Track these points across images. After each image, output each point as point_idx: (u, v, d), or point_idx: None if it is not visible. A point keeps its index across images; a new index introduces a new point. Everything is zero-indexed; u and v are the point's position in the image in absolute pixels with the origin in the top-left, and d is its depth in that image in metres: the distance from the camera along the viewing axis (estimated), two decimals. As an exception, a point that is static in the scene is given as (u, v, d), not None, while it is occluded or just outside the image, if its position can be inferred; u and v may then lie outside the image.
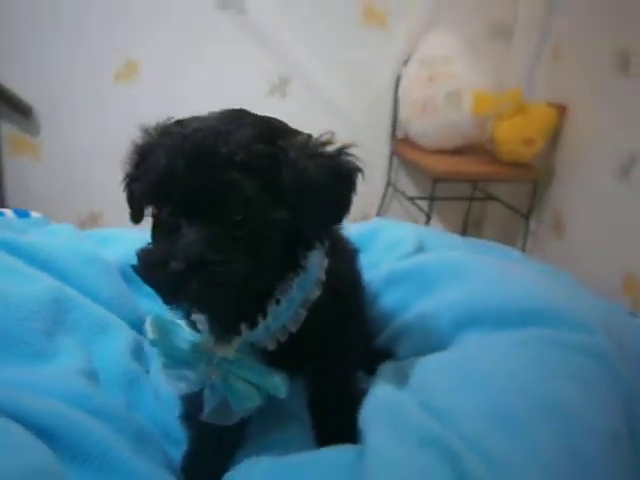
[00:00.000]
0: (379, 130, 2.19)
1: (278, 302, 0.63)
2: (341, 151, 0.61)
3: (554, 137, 1.86)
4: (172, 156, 0.55)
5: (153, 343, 0.65)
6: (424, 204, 2.06)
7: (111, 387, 0.76)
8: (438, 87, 1.83)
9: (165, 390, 0.80)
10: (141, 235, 1.16)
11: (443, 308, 0.87)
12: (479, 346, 0.75)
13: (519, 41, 2.14)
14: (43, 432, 0.54)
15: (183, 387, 0.65)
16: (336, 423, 0.73)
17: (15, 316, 0.72)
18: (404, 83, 1.97)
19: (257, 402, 0.64)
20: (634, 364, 0.71)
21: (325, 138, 0.60)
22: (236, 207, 0.54)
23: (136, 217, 0.64)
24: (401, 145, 2.11)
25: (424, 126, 1.89)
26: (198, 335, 0.65)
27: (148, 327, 0.65)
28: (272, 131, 0.59)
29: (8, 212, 1.14)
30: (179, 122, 0.60)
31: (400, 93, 2.01)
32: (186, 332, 0.67)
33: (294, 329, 0.66)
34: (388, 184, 2.24)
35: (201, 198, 0.54)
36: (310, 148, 0.59)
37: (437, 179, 1.78)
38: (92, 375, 0.74)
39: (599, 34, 1.67)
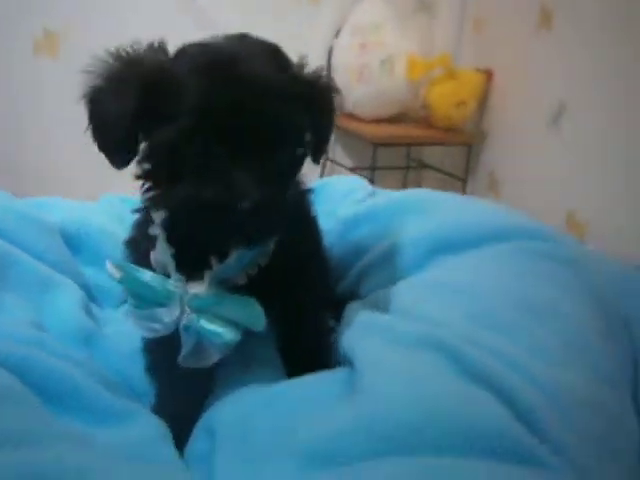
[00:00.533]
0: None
1: None
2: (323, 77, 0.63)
3: (483, 101, 1.93)
4: (222, 90, 0.50)
5: (122, 281, 0.59)
6: (365, 175, 2.07)
7: (67, 342, 0.69)
8: (371, 55, 1.84)
9: (126, 345, 0.74)
10: (77, 203, 1.10)
11: (409, 242, 0.86)
12: (453, 264, 0.75)
13: (442, 14, 2.20)
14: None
15: (157, 328, 0.60)
16: (309, 359, 0.70)
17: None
18: (337, 53, 1.97)
19: (235, 337, 0.60)
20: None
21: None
22: (292, 140, 0.55)
23: (123, 161, 0.57)
24: (338, 117, 2.11)
25: (360, 94, 1.90)
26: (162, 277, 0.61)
27: (112, 269, 0.59)
28: (287, 59, 0.59)
29: None
30: (195, 46, 0.55)
31: (333, 63, 2.01)
32: (149, 274, 0.62)
33: (264, 262, 0.64)
34: (326, 158, 2.24)
35: (256, 131, 0.51)
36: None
37: (377, 144, 1.79)
38: (44, 329, 0.67)
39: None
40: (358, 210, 0.98)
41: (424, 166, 2.27)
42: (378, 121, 1.94)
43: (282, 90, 0.53)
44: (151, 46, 0.57)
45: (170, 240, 0.62)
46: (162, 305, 0.60)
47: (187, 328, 0.60)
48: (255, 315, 0.61)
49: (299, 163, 0.62)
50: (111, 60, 0.56)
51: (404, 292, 0.72)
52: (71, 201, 1.08)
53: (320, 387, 0.56)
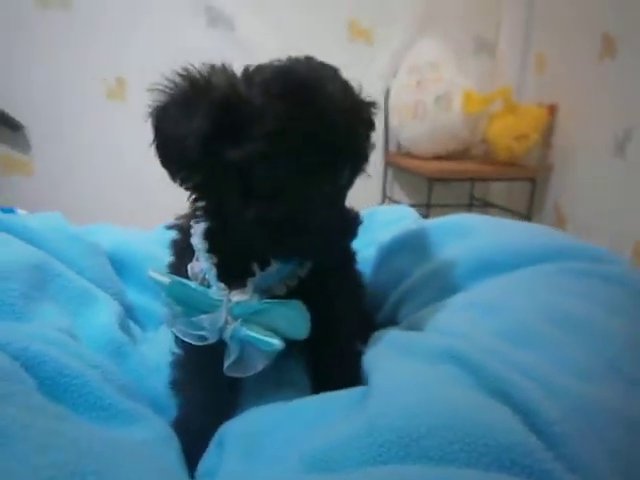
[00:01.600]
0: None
1: None
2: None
3: (547, 135, 1.86)
4: (302, 115, 0.52)
5: (169, 288, 0.60)
6: (422, 212, 2.03)
7: (96, 352, 0.70)
8: (427, 91, 1.84)
9: (154, 360, 0.75)
10: (127, 230, 1.15)
11: (447, 266, 0.82)
12: (490, 284, 0.70)
13: (504, 52, 2.18)
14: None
15: (205, 335, 0.60)
16: (336, 381, 0.67)
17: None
18: (393, 92, 1.99)
19: (280, 345, 0.59)
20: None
21: None
22: (357, 161, 0.58)
23: (184, 179, 0.59)
24: (395, 156, 2.11)
25: (416, 131, 1.90)
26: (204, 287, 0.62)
27: (158, 276, 0.62)
28: (346, 80, 0.60)
29: (-5, 210, 1.11)
30: (267, 69, 0.56)
31: (390, 103, 2.03)
32: (193, 283, 0.63)
33: (303, 274, 0.64)
34: (384, 197, 2.23)
35: (328, 152, 0.54)
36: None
37: (433, 179, 1.77)
38: (76, 339, 0.69)
39: (581, 25, 1.70)
40: (398, 236, 0.95)
41: (486, 204, 2.20)
42: (436, 158, 1.92)
43: (350, 115, 0.55)
44: (217, 67, 0.58)
45: (212, 250, 0.64)
46: (206, 313, 0.60)
47: (232, 336, 0.60)
48: (300, 321, 0.60)
49: (352, 183, 0.63)
50: (179, 79, 0.57)
51: (436, 313, 0.68)
52: (122, 228, 1.13)
53: (335, 402, 0.54)
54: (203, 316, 0.60)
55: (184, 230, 0.85)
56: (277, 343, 0.58)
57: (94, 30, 1.87)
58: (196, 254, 0.67)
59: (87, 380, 0.51)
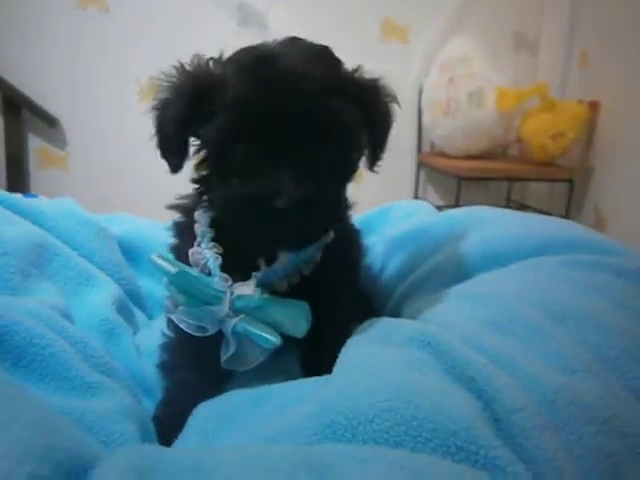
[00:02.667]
0: (404, 144, 2.15)
1: None
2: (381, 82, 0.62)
3: (588, 134, 1.77)
4: (262, 85, 0.50)
5: (174, 277, 0.59)
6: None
7: (88, 332, 0.70)
8: (459, 88, 1.79)
9: (146, 348, 0.75)
10: (142, 219, 1.16)
11: (453, 258, 0.78)
12: (491, 276, 0.67)
13: (546, 49, 2.10)
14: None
15: (206, 327, 0.59)
16: (323, 371, 0.65)
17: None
18: (425, 89, 1.95)
19: (279, 341, 0.58)
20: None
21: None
22: (337, 138, 0.53)
23: (177, 166, 0.60)
24: (427, 156, 2.06)
25: (449, 128, 1.84)
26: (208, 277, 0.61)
27: (164, 263, 0.60)
28: (337, 59, 0.59)
29: (17, 195, 1.15)
30: (244, 49, 0.56)
31: (422, 100, 1.99)
32: (196, 272, 0.62)
33: (307, 271, 0.63)
34: (416, 198, 2.18)
35: (297, 125, 0.50)
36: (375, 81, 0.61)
37: (463, 178, 1.71)
38: (68, 317, 0.69)
39: (626, 21, 1.61)
40: (407, 229, 0.92)
41: (523, 206, 2.12)
42: (467, 157, 1.86)
43: (325, 85, 0.52)
44: (210, 59, 0.59)
45: (217, 240, 0.62)
46: (209, 304, 0.59)
47: (232, 330, 0.58)
48: (301, 320, 0.59)
49: (351, 166, 0.59)
50: (176, 74, 0.59)
51: (431, 304, 0.65)
52: (137, 217, 1.15)
53: (302, 387, 0.52)
54: (210, 307, 0.58)
55: (187, 211, 0.84)
56: (275, 340, 0.57)
57: (130, 31, 1.93)
58: (198, 240, 0.65)
59: (55, 350, 0.51)
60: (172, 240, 0.81)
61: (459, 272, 0.75)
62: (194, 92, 0.55)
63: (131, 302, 0.89)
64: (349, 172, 0.60)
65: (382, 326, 0.54)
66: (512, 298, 0.55)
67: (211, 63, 0.58)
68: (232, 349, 0.59)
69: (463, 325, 0.50)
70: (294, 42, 0.58)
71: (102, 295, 0.79)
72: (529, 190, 2.11)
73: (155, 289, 0.99)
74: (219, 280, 0.59)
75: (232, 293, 0.59)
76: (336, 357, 0.64)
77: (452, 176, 1.79)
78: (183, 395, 0.65)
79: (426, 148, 2.12)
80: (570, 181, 1.77)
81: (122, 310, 0.81)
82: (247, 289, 0.60)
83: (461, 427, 0.33)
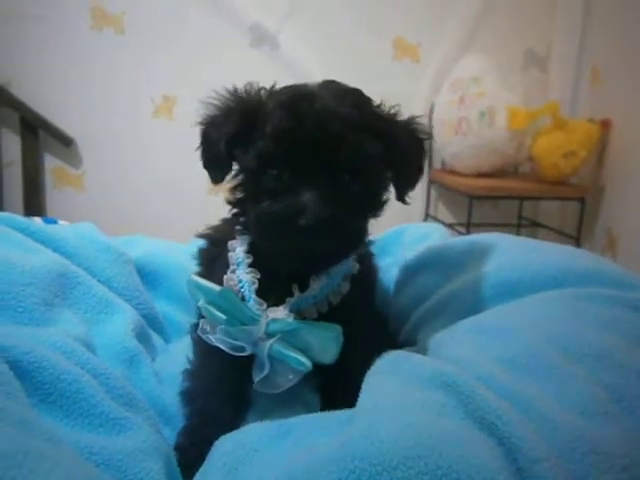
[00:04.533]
0: (415, 161, 2.15)
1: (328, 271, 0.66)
2: (415, 120, 0.68)
3: (601, 153, 1.77)
4: (299, 120, 0.57)
5: (218, 295, 0.64)
6: (464, 232, 1.98)
7: (109, 362, 0.71)
8: (470, 107, 1.80)
9: (166, 374, 0.76)
10: (160, 241, 1.18)
11: (467, 288, 0.79)
12: (506, 308, 0.67)
13: (556, 66, 2.11)
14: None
15: (243, 346, 0.63)
16: (342, 404, 0.66)
17: (16, 281, 0.70)
18: (437, 108, 1.96)
19: (309, 366, 0.62)
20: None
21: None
22: (360, 170, 0.59)
23: (219, 178, 0.67)
24: (438, 173, 2.07)
25: (460, 147, 1.85)
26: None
27: (205, 282, 0.66)
28: (367, 99, 0.66)
29: (37, 219, 1.17)
30: (286, 89, 0.64)
31: (434, 120, 2.00)
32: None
33: (335, 301, 0.68)
34: (427, 215, 2.18)
35: (326, 157, 0.57)
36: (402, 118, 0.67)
37: (473, 196, 1.71)
38: (90, 347, 0.71)
39: (638, 38, 1.61)
40: (421, 255, 0.93)
41: (535, 224, 2.11)
42: (479, 175, 1.87)
43: (353, 123, 0.58)
44: (261, 88, 0.66)
45: (255, 265, 0.68)
46: (245, 324, 0.63)
47: (268, 351, 0.62)
48: (332, 345, 0.63)
49: (372, 196, 0.65)
50: (227, 95, 0.67)
51: (446, 336, 0.66)
52: (155, 239, 1.16)
53: (324, 423, 0.52)
54: (243, 328, 0.63)
55: (213, 240, 0.89)
56: (309, 363, 0.61)
57: (145, 52, 1.97)
58: (232, 267, 0.71)
59: (82, 387, 0.52)
60: (197, 268, 0.84)
61: (474, 301, 0.75)
62: (244, 113, 0.63)
63: (149, 326, 0.90)
64: (371, 202, 0.65)
65: (401, 363, 0.55)
66: (529, 333, 0.55)
67: (262, 92, 0.66)
68: (267, 370, 0.62)
69: (480, 364, 0.51)
70: (330, 84, 0.65)
71: (122, 322, 0.80)
72: (541, 208, 2.11)
73: (172, 313, 1.00)
74: (254, 303, 0.65)
75: (267, 317, 0.63)
76: (357, 388, 0.65)
77: (463, 194, 1.79)
78: (205, 423, 0.66)
79: (437, 165, 2.13)
80: (582, 200, 1.77)
81: (141, 336, 0.82)
82: (281, 313, 0.64)
83: (485, 478, 0.33)
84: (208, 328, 0.66)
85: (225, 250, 0.73)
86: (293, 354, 0.61)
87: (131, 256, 1.00)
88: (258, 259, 0.68)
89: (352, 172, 0.59)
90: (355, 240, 0.64)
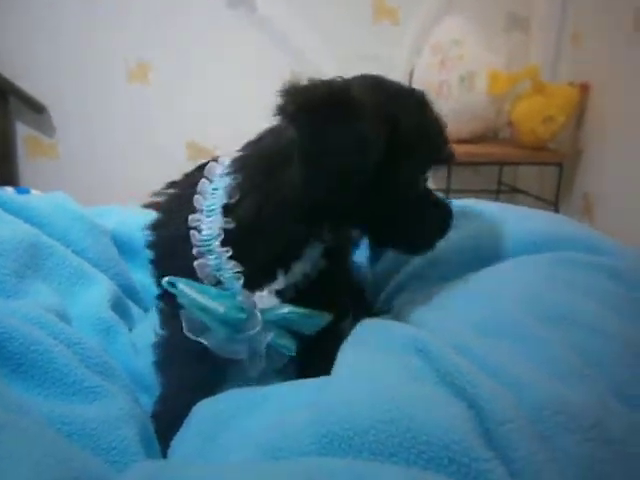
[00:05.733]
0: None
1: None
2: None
3: (578, 117, 1.77)
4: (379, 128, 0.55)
5: (190, 303, 0.58)
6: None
7: (85, 332, 0.71)
8: (451, 71, 1.78)
9: (143, 343, 0.75)
10: (134, 210, 1.16)
11: (444, 253, 0.79)
12: (481, 272, 0.67)
13: (537, 30, 2.09)
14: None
15: (240, 350, 0.61)
16: (320, 369, 0.67)
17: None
18: (417, 72, 1.93)
19: (293, 351, 0.62)
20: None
21: None
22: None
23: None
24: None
25: (440, 112, 1.83)
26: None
27: (191, 292, 0.58)
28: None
29: (9, 189, 1.14)
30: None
31: (414, 83, 1.97)
32: (214, 290, 0.60)
33: (314, 275, 0.65)
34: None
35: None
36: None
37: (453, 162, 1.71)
38: (64, 318, 0.70)
39: (618, 9, 1.60)
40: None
41: (514, 190, 2.13)
42: (458, 141, 1.86)
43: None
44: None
45: (238, 257, 0.60)
46: (243, 326, 0.59)
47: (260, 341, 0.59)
48: (319, 326, 0.61)
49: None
50: (309, 85, 0.56)
51: (419, 303, 0.66)
52: (131, 209, 1.14)
53: (300, 390, 0.53)
54: (248, 333, 0.58)
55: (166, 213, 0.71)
56: (295, 348, 0.60)
57: (117, 13, 1.89)
58: (198, 249, 0.61)
59: (54, 356, 0.51)
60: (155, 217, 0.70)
61: (451, 268, 0.76)
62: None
63: (126, 297, 0.89)
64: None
65: (376, 331, 0.55)
66: (502, 298, 0.56)
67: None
68: (263, 363, 0.60)
69: (452, 329, 0.51)
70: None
71: (97, 293, 0.79)
72: (520, 174, 2.12)
73: (149, 282, 0.99)
74: (242, 298, 0.58)
75: (254, 306, 0.59)
76: (333, 356, 0.66)
77: (443, 161, 1.79)
78: (181, 392, 0.66)
79: (417, 131, 2.12)
80: (560, 165, 1.78)
81: (118, 307, 0.82)
82: (267, 301, 0.60)
83: (453, 440, 0.34)
84: (196, 330, 0.60)
85: (183, 226, 0.62)
86: (285, 341, 0.60)
87: (107, 226, 0.98)
88: (245, 250, 0.60)
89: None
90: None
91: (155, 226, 0.70)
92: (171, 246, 0.67)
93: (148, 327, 0.82)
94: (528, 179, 2.09)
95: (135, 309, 0.91)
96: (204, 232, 0.61)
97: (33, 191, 1.17)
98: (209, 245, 0.60)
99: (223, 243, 0.60)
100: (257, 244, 0.60)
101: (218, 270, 0.60)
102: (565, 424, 0.37)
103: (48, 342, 0.54)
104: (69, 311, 0.73)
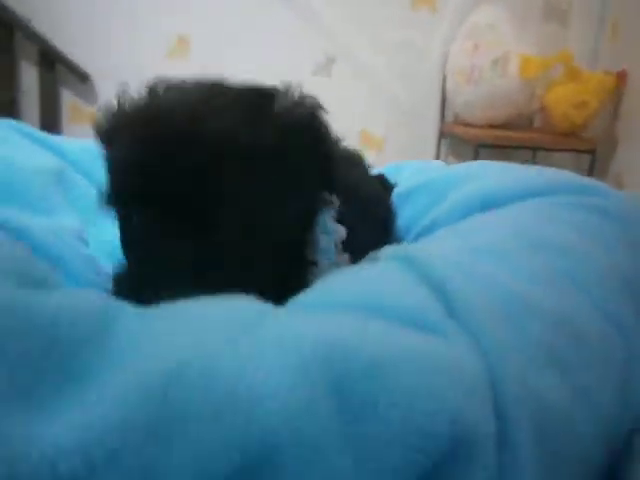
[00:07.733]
0: (427, 112, 2.14)
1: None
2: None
3: (614, 105, 1.73)
4: (137, 145, 0.42)
5: None
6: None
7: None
8: (484, 55, 1.77)
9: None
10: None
11: (453, 205, 0.80)
12: (481, 216, 0.69)
13: (576, 19, 2.05)
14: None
15: None
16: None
17: (19, 171, 0.74)
18: (450, 57, 1.93)
19: None
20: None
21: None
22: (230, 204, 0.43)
23: None
24: (450, 126, 2.05)
25: (471, 96, 1.83)
26: None
27: None
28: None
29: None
30: (151, 96, 0.47)
31: (447, 68, 1.97)
32: None
33: None
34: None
35: (186, 198, 0.41)
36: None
37: (480, 145, 1.70)
38: (84, 241, 0.74)
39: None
40: (416, 183, 0.94)
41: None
42: (491, 126, 1.85)
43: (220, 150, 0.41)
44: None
45: None
46: None
47: None
48: None
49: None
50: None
51: (422, 242, 0.68)
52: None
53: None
54: None
55: None
56: None
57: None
58: None
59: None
60: None
61: (457, 219, 0.77)
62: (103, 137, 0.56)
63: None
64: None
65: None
66: (492, 230, 0.57)
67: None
68: None
69: (447, 253, 0.53)
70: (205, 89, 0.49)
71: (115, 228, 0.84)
72: (553, 160, 2.08)
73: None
74: None
75: None
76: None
77: (471, 144, 1.78)
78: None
79: (449, 119, 2.11)
80: (593, 152, 1.75)
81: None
82: None
83: (415, 307, 0.36)
84: None
85: None
86: None
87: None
88: None
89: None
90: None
91: None
92: None
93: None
94: (561, 166, 2.04)
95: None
96: None
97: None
98: None
99: None
100: None
101: None
102: (531, 313, 0.38)
103: (59, 245, 0.58)
104: (89, 239, 0.78)
